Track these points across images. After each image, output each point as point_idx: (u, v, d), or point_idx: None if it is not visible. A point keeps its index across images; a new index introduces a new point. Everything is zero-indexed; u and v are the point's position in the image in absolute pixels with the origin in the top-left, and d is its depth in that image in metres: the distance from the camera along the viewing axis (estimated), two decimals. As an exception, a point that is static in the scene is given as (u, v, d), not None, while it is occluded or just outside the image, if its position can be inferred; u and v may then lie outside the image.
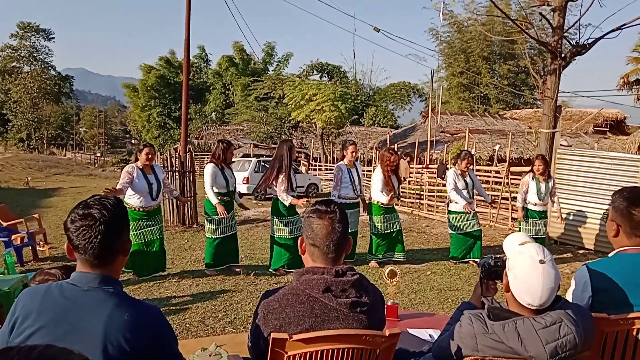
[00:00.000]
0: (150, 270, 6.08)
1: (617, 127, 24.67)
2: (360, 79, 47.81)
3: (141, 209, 5.86)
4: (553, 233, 8.93)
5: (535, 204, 7.39)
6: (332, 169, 23.62)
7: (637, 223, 2.08)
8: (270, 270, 6.47)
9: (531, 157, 18.01)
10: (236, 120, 40.05)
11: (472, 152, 7.51)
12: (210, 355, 2.73)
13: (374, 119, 40.12)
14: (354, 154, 6.95)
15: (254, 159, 18.92)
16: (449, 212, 7.34)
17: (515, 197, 8.56)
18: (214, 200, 6.09)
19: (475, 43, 33.20)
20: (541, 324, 1.70)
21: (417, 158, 18.23)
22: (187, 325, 4.57)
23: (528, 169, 7.77)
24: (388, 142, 18.60)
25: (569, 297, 2.14)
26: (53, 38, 57.01)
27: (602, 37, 8.93)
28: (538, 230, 7.44)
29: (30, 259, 7.12)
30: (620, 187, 2.25)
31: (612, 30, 8.86)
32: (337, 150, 29.24)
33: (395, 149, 7.35)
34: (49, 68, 57.52)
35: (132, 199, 5.86)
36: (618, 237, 2.16)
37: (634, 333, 1.97)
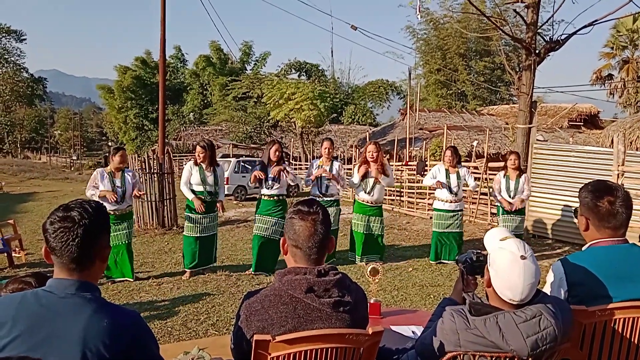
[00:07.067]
0: (116, 274, 6.04)
1: (591, 121, 25.19)
2: (338, 78, 47.80)
3: (110, 212, 5.82)
4: (531, 227, 9.08)
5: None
6: (312, 168, 23.67)
7: (604, 215, 2.10)
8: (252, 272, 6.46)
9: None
10: (215, 120, 39.69)
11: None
12: (192, 359, 2.70)
13: (353, 117, 40.19)
14: (326, 150, 6.93)
15: (233, 160, 18.81)
16: (433, 209, 7.33)
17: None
18: (189, 195, 6.21)
19: (452, 40, 33.50)
20: (521, 318, 1.72)
21: (396, 155, 18.35)
22: (169, 329, 4.52)
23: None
24: (367, 139, 18.68)
25: (545, 291, 2.17)
26: (25, 39, 55.79)
27: (574, 33, 9.10)
28: (513, 226, 7.14)
29: (6, 265, 6.97)
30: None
31: (585, 27, 9.03)
32: (317, 149, 29.25)
33: (376, 142, 7.17)
34: (21, 70, 56.21)
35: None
36: (588, 231, 2.19)
37: (612, 324, 2.00)
